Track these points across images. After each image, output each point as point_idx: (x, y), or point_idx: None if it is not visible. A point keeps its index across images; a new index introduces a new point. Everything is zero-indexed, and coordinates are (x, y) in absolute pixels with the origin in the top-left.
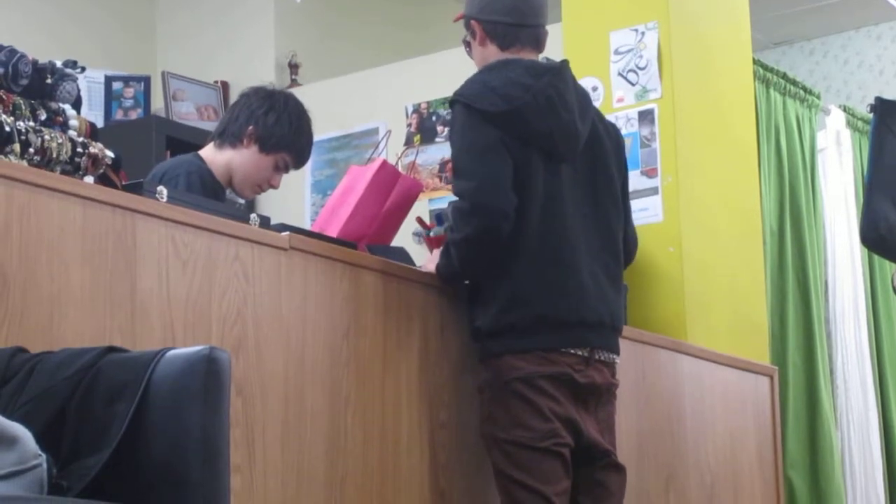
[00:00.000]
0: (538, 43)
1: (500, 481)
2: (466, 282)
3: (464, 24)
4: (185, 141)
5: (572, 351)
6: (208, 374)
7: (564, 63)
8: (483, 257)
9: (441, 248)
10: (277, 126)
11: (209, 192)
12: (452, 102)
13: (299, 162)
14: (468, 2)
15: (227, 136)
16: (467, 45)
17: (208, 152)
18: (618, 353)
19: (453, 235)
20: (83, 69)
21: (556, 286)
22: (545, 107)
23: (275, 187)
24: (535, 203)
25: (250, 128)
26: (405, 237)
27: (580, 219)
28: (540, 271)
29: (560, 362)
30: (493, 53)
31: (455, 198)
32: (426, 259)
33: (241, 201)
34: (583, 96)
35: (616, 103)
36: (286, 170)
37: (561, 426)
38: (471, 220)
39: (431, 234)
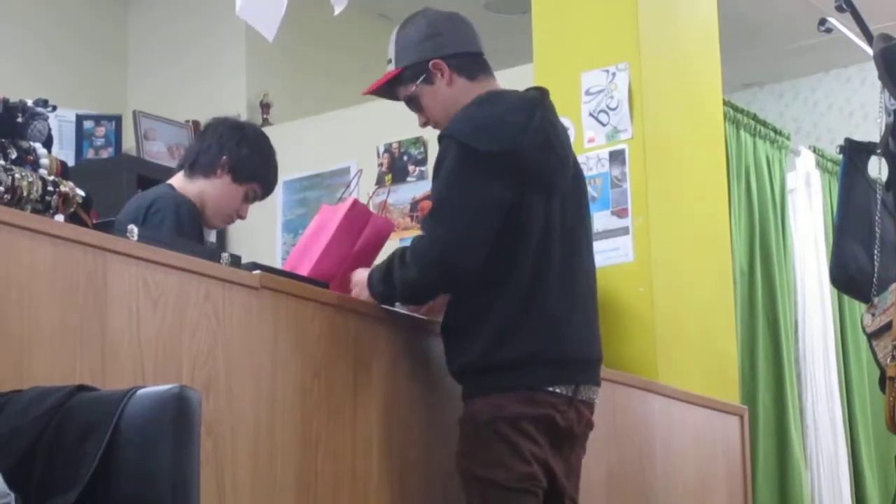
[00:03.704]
0: (491, 70)
1: None
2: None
3: (409, 76)
4: (156, 180)
5: (558, 390)
6: (178, 414)
7: (546, 92)
8: (426, 300)
9: (385, 261)
10: (250, 158)
11: (198, 225)
12: (442, 137)
13: (267, 192)
14: (411, 49)
15: (199, 166)
16: (414, 101)
17: (179, 182)
18: (599, 385)
19: (406, 272)
20: (54, 108)
21: (548, 322)
22: (542, 144)
23: (242, 218)
24: (531, 238)
25: (223, 158)
26: None
27: (570, 252)
28: (532, 307)
29: (544, 403)
30: (462, 89)
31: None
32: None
33: (212, 240)
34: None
35: (587, 144)
36: (254, 200)
37: (539, 469)
38: (434, 271)
39: None
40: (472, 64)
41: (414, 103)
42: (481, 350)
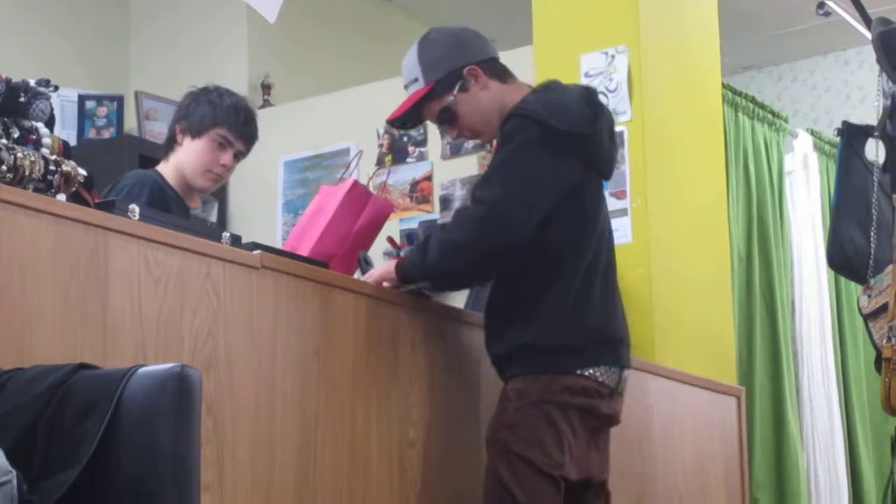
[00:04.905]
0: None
1: (495, 489)
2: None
3: (443, 88)
4: (157, 160)
5: (605, 381)
6: (179, 392)
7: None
8: (486, 265)
9: (412, 246)
10: (198, 109)
11: (156, 204)
12: (512, 117)
13: (239, 132)
14: (440, 63)
15: (167, 145)
16: (448, 113)
17: (162, 168)
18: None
19: (450, 236)
20: (56, 88)
21: (602, 306)
22: (610, 133)
23: (227, 167)
24: (596, 222)
25: (177, 126)
26: (376, 257)
27: (610, 236)
28: (591, 290)
29: (594, 393)
30: (497, 92)
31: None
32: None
33: (213, 220)
34: None
35: None
36: (231, 145)
37: (570, 462)
38: (480, 228)
39: (402, 253)
40: (501, 67)
41: (448, 115)
42: (544, 330)
